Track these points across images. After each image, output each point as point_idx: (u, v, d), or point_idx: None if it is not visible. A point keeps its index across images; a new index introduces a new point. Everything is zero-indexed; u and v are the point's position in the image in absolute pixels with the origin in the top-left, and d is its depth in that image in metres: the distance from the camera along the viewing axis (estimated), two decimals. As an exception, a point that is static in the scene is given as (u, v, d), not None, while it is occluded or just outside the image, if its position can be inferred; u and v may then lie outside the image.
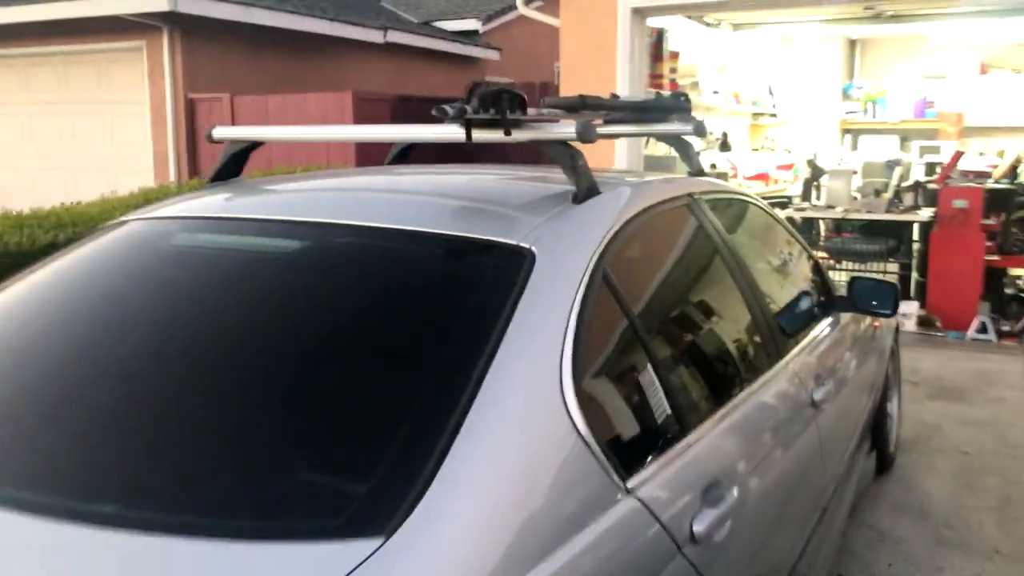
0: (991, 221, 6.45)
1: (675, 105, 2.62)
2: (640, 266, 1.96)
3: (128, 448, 1.37)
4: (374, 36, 10.70)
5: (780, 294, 2.73)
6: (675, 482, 1.60)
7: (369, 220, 1.77)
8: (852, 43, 11.78)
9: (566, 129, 1.82)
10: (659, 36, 7.78)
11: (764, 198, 7.97)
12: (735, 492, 1.73)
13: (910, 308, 6.53)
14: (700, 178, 2.63)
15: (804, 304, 2.84)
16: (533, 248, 1.64)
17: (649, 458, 1.59)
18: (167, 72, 8.87)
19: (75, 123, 9.76)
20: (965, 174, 7.21)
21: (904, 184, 6.99)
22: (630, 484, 1.48)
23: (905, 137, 11.71)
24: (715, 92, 8.88)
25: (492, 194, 2.05)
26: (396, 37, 11.09)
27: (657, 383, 1.72)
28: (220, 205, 2.05)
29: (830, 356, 2.74)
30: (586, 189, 1.85)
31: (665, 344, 1.90)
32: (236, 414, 1.41)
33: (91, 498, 1.27)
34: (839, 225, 7.32)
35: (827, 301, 3.06)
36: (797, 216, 7.27)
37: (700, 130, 2.52)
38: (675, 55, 8.10)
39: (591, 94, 2.42)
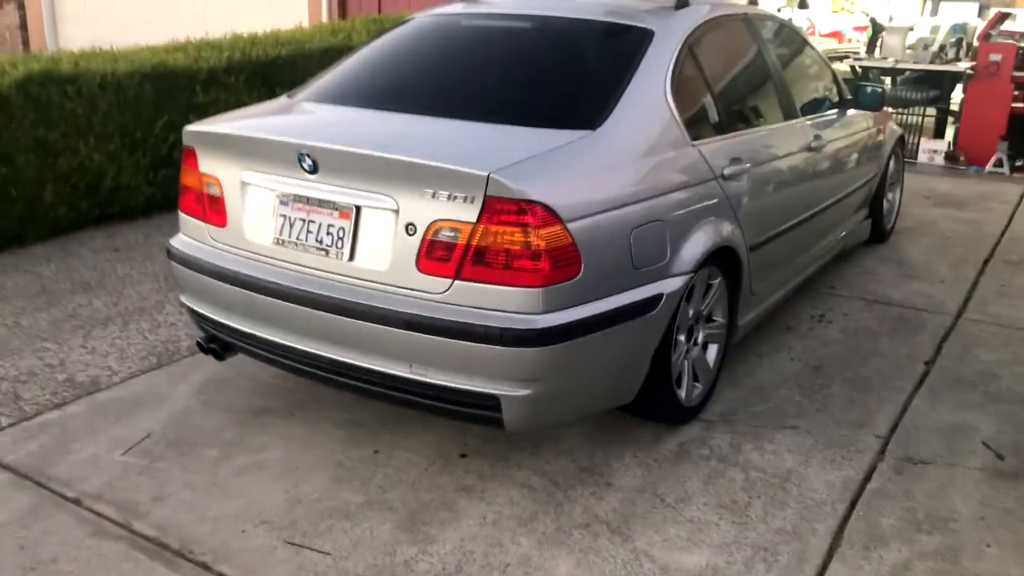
0: (1021, 74, 7.64)
1: (743, -41, 4.12)
2: (709, 47, 3.51)
3: (464, 93, 3.10)
4: None
5: (801, 85, 4.26)
6: (717, 149, 3.24)
7: (570, 13, 3.39)
8: (943, -90, 12.41)
9: (677, -31, 3.38)
10: (752, -98, 8.88)
11: (835, 52, 9.28)
12: (748, 164, 3.36)
13: (939, 146, 7.86)
14: (756, 7, 4.15)
15: (817, 95, 4.37)
16: (653, 29, 3.23)
17: (704, 135, 3.22)
18: (324, -77, 10.36)
19: (239, -33, 11.37)
20: (1011, 34, 8.30)
21: (951, 40, 8.15)
22: (694, 142, 3.12)
23: (985, 5, 12.45)
24: (799, -45, 9.96)
25: (631, 5, 3.62)
26: None
27: (712, 102, 3.34)
28: (470, 8, 3.69)
29: (829, 128, 4.27)
30: (682, 2, 3.42)
31: (719, 85, 3.48)
32: (520, 79, 3.12)
33: (454, 110, 2.96)
34: (893, 75, 8.54)
35: (840, 100, 4.58)
36: (857, 65, 8.52)
37: (758, -25, 4.03)
38: (765, -80, 9.19)
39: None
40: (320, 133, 2.87)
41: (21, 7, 14.32)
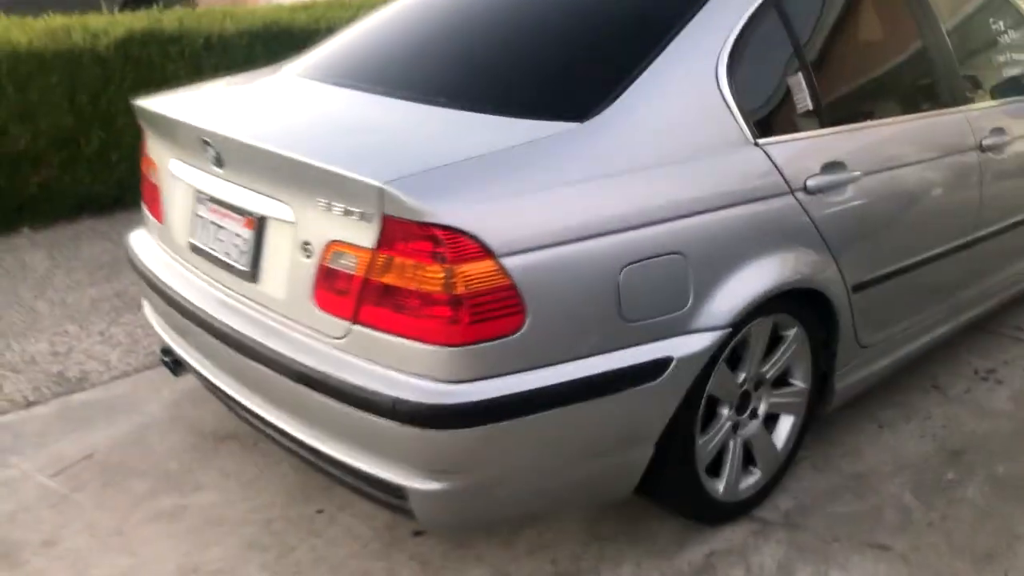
0: None
1: None
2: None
3: (455, 71, 2.36)
4: None
5: (981, 58, 3.11)
6: (800, 150, 2.29)
7: None
8: None
9: None
10: None
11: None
12: (856, 172, 2.37)
13: None
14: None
15: (1010, 72, 3.18)
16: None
17: (780, 130, 2.28)
18: None
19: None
20: None
21: None
22: (759, 141, 2.20)
23: None
24: None
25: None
26: None
27: (805, 87, 2.37)
28: None
29: (1021, 119, 3.09)
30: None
31: (826, 60, 2.49)
32: (510, 55, 2.33)
33: (435, 93, 2.22)
34: None
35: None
36: None
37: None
38: None
39: None
40: (230, 116, 2.27)
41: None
